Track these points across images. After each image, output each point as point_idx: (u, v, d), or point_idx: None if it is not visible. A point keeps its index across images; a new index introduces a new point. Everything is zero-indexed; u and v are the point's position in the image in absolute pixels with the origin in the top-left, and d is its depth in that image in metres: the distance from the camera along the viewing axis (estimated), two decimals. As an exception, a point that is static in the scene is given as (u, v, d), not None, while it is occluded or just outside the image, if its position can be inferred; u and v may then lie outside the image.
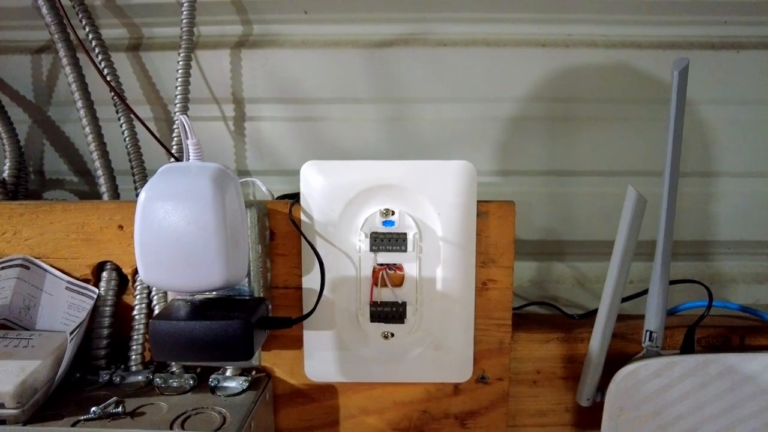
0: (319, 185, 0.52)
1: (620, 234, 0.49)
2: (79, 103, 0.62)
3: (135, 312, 0.55)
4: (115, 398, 0.48)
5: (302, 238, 0.51)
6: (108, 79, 0.63)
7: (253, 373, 0.55)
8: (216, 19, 0.70)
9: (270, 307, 0.53)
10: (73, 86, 0.62)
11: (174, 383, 0.53)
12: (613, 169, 0.72)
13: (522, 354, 0.58)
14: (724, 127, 0.70)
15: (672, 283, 0.54)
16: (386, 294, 0.54)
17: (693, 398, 0.54)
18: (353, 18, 0.69)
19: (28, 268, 0.54)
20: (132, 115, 0.61)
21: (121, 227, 0.54)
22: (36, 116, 0.74)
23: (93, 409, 0.46)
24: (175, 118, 0.62)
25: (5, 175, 0.66)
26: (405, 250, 0.52)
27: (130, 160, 0.65)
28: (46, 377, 0.48)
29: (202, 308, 0.44)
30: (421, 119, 0.71)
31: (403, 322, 0.53)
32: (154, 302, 0.55)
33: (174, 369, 0.54)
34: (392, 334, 0.54)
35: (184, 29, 0.63)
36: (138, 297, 0.55)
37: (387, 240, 0.52)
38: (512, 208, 0.54)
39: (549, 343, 0.58)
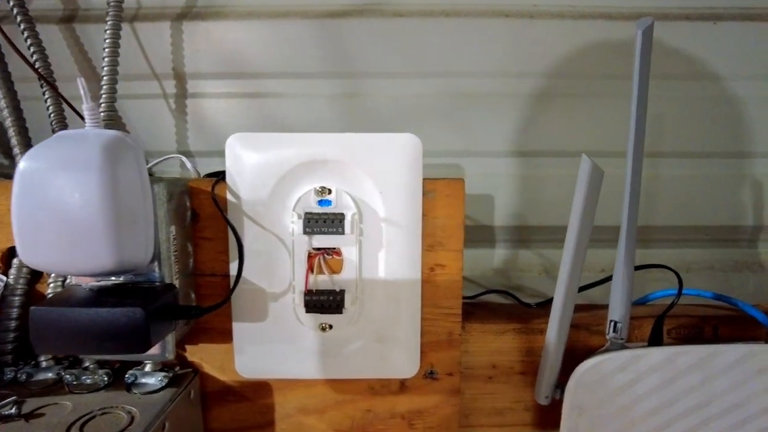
0: (247, 161, 0.47)
1: (575, 210, 0.44)
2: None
3: (48, 302, 0.50)
4: (13, 398, 0.43)
5: (225, 219, 0.46)
6: (32, 52, 0.58)
7: (177, 368, 0.50)
8: (155, -12, 0.64)
9: (193, 295, 0.48)
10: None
11: (87, 380, 0.48)
12: (585, 150, 0.67)
13: (475, 347, 0.53)
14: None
15: (638, 268, 0.50)
16: (323, 281, 0.49)
17: (661, 394, 0.49)
18: (302, -14, 0.64)
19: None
20: (56, 92, 0.56)
21: (29, 208, 0.49)
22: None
23: (-17, 409, 0.41)
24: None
25: None
26: (343, 233, 0.47)
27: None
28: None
29: (97, 295, 0.39)
30: (377, 95, 0.66)
31: (341, 312, 0.48)
32: (69, 291, 0.50)
33: (88, 365, 0.49)
34: (330, 326, 0.49)
35: None
36: (51, 285, 0.50)
37: (322, 221, 0.47)
38: (461, 186, 0.49)
39: (505, 334, 0.53)
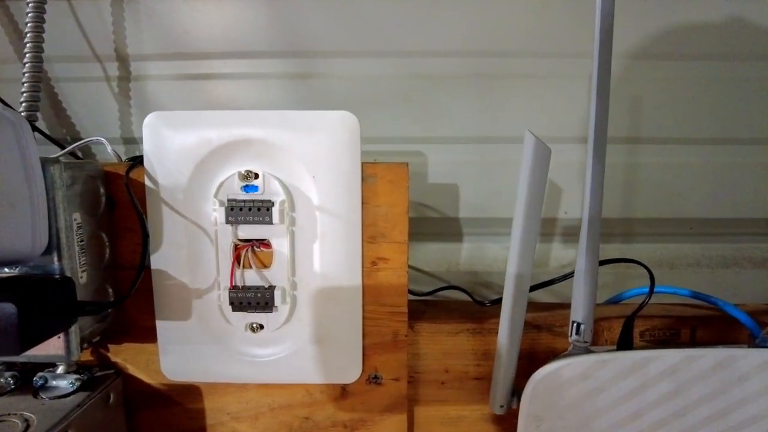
0: (167, 142, 0.43)
1: (520, 194, 0.39)
2: None
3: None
4: None
5: (134, 206, 0.41)
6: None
7: (96, 370, 0.46)
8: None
9: (111, 290, 0.44)
10: None
11: (-7, 383, 0.44)
12: (555, 135, 0.62)
13: (427, 349, 0.48)
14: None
15: (602, 263, 0.45)
16: (251, 277, 0.44)
17: (629, 404, 0.44)
18: (248, -43, 0.59)
19: None
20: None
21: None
22: None
23: None
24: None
25: None
26: (271, 222, 0.42)
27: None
28: None
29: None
30: (331, 76, 0.61)
31: (271, 311, 0.44)
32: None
33: (-7, 366, 0.44)
34: (260, 326, 0.45)
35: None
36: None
37: (248, 209, 0.42)
38: (405, 170, 0.44)
39: (458, 335, 0.48)
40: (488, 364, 0.48)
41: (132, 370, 0.47)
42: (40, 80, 0.53)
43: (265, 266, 0.44)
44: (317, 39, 0.60)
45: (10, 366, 0.45)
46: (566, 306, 0.51)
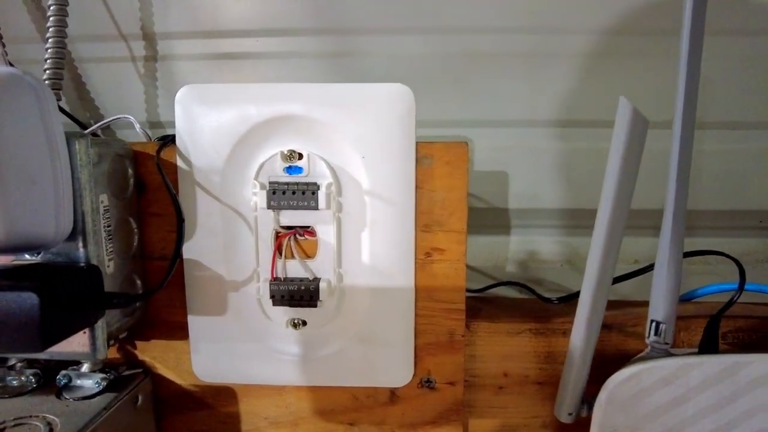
0: (202, 119, 0.39)
1: (610, 173, 0.34)
2: None
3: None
4: None
5: (167, 188, 0.37)
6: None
7: (123, 369, 0.42)
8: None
9: (139, 282, 0.40)
10: None
11: (14, 382, 0.40)
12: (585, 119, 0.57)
13: (483, 350, 0.44)
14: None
15: (687, 255, 0.40)
16: (294, 268, 0.40)
17: (718, 415, 0.39)
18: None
19: None
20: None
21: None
22: None
23: None
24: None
25: None
26: (316, 208, 0.38)
27: None
28: None
29: (-6, 277, 0.30)
30: (371, 55, 0.56)
31: (316, 306, 0.40)
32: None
33: (14, 363, 0.41)
34: (303, 322, 0.41)
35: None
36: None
37: (291, 193, 0.38)
38: (464, 150, 0.39)
39: (520, 335, 0.43)
40: (552, 368, 0.44)
41: (161, 369, 0.43)
42: (63, 60, 0.49)
43: (309, 257, 0.40)
44: (355, 15, 0.56)
45: (31, 363, 0.41)
46: (637, 304, 0.46)
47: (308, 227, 0.40)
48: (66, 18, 0.50)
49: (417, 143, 0.39)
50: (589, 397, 0.41)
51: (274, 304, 0.40)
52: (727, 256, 0.43)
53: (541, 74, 0.55)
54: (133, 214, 0.40)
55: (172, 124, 0.59)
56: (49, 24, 0.49)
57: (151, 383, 0.43)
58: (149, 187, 0.40)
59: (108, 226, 0.36)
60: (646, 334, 0.40)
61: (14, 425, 0.35)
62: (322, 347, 0.41)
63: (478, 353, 0.44)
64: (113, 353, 0.43)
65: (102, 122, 0.45)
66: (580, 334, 0.38)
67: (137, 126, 0.43)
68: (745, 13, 0.53)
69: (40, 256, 0.34)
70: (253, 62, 0.58)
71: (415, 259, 0.40)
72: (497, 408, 0.45)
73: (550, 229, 0.60)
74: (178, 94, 0.39)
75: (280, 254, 0.40)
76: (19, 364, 0.41)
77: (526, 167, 0.58)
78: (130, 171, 0.39)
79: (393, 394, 0.43)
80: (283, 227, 0.39)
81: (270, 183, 0.38)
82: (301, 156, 0.38)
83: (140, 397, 0.41)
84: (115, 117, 0.45)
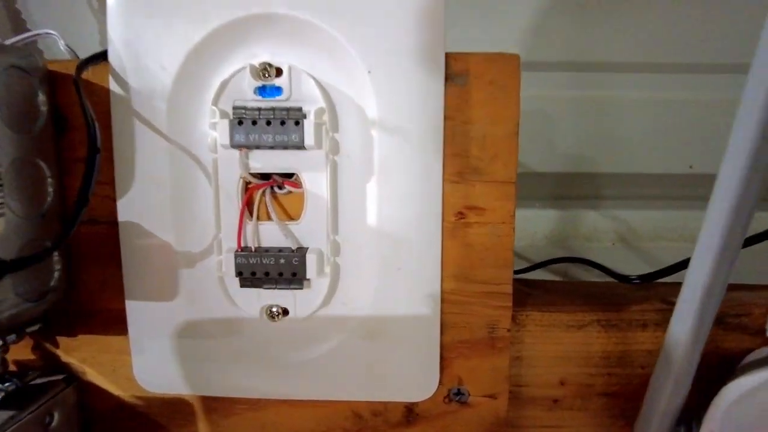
0: (142, 26, 0.27)
1: (740, 125, 0.21)
2: None
3: None
4: None
5: (82, 108, 0.25)
6: None
7: (35, 375, 0.30)
8: None
9: (49, 245, 0.28)
10: None
11: None
12: (684, 62, 0.45)
13: (533, 351, 0.32)
14: None
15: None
16: (270, 234, 0.28)
17: None
18: None
19: None
20: None
21: None
22: None
23: None
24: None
25: None
26: (302, 145, 0.26)
27: None
28: None
29: None
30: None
31: (301, 287, 0.28)
32: None
33: None
34: (284, 311, 0.29)
35: None
36: None
37: (266, 123, 0.26)
38: (515, 64, 0.28)
39: (583, 329, 0.32)
40: (626, 374, 0.32)
41: (91, 375, 0.32)
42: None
43: (292, 218, 0.29)
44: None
45: None
46: (739, 287, 0.34)
47: (291, 175, 0.28)
48: None
49: (447, 54, 0.27)
50: (688, 416, 0.29)
51: (242, 284, 0.28)
52: None
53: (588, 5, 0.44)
54: (46, 158, 0.28)
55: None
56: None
57: (75, 395, 0.31)
58: (73, 124, 0.29)
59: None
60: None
61: None
62: (311, 346, 0.30)
63: (525, 354, 0.32)
64: (25, 354, 0.32)
65: (17, 37, 0.33)
66: (685, 325, 0.26)
67: (61, 42, 0.31)
68: None
69: None
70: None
71: (443, 221, 0.28)
72: (550, 428, 0.33)
73: (598, 199, 0.48)
74: (107, -10, 0.27)
75: (251, 214, 0.28)
76: None
77: (569, 121, 0.46)
78: (41, 96, 0.28)
79: (410, 411, 0.31)
80: (254, 175, 0.28)
81: (235, 109, 0.27)
82: (279, 71, 0.27)
83: (56, 415, 0.30)
84: (33, 33, 0.33)
